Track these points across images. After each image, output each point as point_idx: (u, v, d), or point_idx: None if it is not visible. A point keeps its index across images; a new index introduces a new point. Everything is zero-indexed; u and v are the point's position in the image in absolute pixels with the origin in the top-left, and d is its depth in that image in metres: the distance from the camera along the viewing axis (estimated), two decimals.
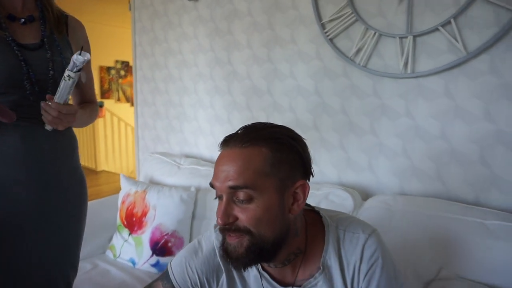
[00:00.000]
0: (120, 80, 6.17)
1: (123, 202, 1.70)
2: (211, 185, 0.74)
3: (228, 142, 0.73)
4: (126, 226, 1.65)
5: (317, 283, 0.76)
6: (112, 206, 1.81)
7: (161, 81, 2.27)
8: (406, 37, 1.34)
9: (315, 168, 1.66)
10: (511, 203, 1.21)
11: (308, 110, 1.64)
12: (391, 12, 1.38)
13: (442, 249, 1.08)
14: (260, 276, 0.80)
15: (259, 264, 0.80)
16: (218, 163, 0.73)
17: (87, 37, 1.22)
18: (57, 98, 0.97)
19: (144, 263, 1.56)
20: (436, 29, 1.28)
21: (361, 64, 1.45)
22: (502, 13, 1.17)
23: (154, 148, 2.37)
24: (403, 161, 1.41)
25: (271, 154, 0.71)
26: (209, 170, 1.73)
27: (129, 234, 1.63)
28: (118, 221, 1.70)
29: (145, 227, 1.59)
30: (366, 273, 0.74)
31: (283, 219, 0.72)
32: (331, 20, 1.51)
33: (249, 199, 0.69)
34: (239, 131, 0.74)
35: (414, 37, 1.33)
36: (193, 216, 1.65)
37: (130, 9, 2.38)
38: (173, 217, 1.56)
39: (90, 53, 1.13)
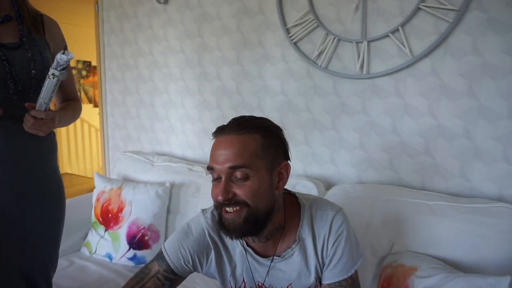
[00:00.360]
0: (81, 81, 6.02)
1: (97, 200, 1.74)
2: (210, 168, 0.85)
3: (224, 130, 0.86)
4: (101, 223, 1.70)
5: (293, 252, 0.91)
6: (83, 205, 1.84)
7: (131, 81, 2.31)
8: (361, 42, 1.50)
9: None
10: (451, 187, 1.40)
11: (275, 108, 1.76)
12: (348, 20, 1.54)
13: (394, 228, 1.24)
14: (245, 251, 0.92)
15: (244, 241, 0.92)
16: (216, 148, 0.84)
17: (63, 36, 1.25)
18: (42, 97, 1.02)
19: (121, 257, 1.61)
20: (387, 36, 1.45)
21: (323, 66, 1.59)
22: (441, 23, 1.36)
23: (125, 147, 2.40)
24: (360, 154, 1.57)
25: (262, 139, 0.84)
26: (182, 167, 1.81)
27: (105, 230, 1.68)
28: (93, 218, 1.74)
29: (121, 223, 1.64)
30: (334, 243, 0.89)
31: (272, 194, 0.86)
32: (295, 25, 1.65)
33: (246, 177, 0.81)
34: (232, 122, 0.88)
35: (368, 42, 1.49)
36: (168, 211, 1.73)
37: (98, 10, 2.40)
38: (149, 212, 1.63)
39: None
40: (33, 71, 1.08)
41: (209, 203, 1.57)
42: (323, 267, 0.91)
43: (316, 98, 1.65)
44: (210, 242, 0.93)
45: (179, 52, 2.05)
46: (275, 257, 0.92)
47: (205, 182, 1.66)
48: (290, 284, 0.93)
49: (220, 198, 0.81)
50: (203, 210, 0.98)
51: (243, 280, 0.95)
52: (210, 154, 0.86)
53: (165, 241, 1.66)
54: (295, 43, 1.65)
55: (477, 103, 1.33)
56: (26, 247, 1.10)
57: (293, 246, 0.91)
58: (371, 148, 1.55)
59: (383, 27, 1.47)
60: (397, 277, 1.03)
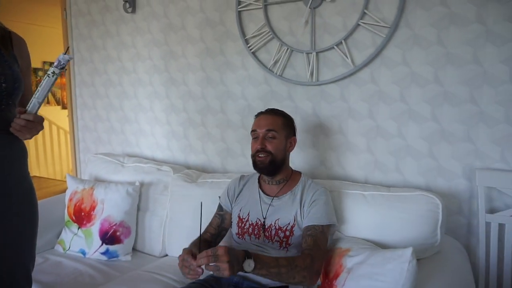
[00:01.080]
0: None
1: (70, 200, 1.84)
2: (253, 130, 1.38)
3: (263, 112, 1.42)
4: (75, 221, 1.80)
5: (286, 197, 1.36)
6: (56, 205, 1.93)
7: (100, 86, 2.40)
8: (311, 53, 1.69)
9: (243, 160, 1.96)
10: (388, 179, 1.62)
11: (237, 111, 1.93)
12: (299, 32, 1.72)
13: (337, 216, 1.42)
14: (259, 188, 1.43)
15: (258, 184, 1.43)
16: (259, 120, 1.39)
17: (28, 52, 1.32)
18: (37, 96, 1.08)
19: (94, 252, 1.73)
20: (332, 48, 1.65)
21: (278, 74, 1.77)
22: (377, 38, 1.57)
23: (95, 149, 2.49)
24: (312, 152, 1.77)
25: (283, 120, 1.40)
26: (151, 167, 1.93)
27: (78, 228, 1.78)
28: (67, 217, 1.84)
29: (94, 220, 1.76)
30: (314, 201, 1.31)
31: (285, 152, 1.39)
32: (253, 37, 1.82)
33: (273, 137, 1.35)
34: (268, 109, 1.43)
35: (317, 53, 1.69)
36: (138, 208, 1.85)
37: (65, 17, 2.47)
38: (121, 209, 1.75)
39: (31, 66, 1.30)
40: (3, 84, 1.14)
41: (178, 200, 1.71)
42: (303, 216, 1.30)
43: (273, 102, 1.82)
44: (239, 184, 1.48)
45: (147, 59, 2.18)
46: (274, 197, 1.38)
47: (173, 181, 1.80)
48: (278, 219, 1.33)
49: (258, 146, 1.33)
50: (241, 176, 1.53)
51: (248, 213, 1.39)
52: (254, 123, 1.40)
53: (136, 236, 1.82)
54: (253, 53, 1.82)
55: (407, 107, 1.55)
56: (5, 248, 1.17)
57: (288, 194, 1.37)
58: (320, 147, 1.74)
59: (329, 40, 1.66)
60: (334, 258, 1.22)
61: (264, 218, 1.36)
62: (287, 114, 1.44)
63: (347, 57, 1.61)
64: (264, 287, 1.25)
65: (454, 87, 1.46)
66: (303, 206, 1.31)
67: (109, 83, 2.36)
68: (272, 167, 1.34)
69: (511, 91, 1.37)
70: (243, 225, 1.39)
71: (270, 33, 1.76)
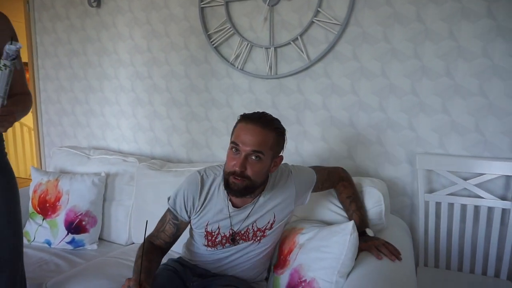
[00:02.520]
0: None
1: (35, 191, 1.85)
2: (234, 143, 1.12)
3: (252, 119, 1.14)
4: (39, 213, 1.82)
5: (260, 201, 1.25)
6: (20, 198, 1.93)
7: (65, 80, 2.40)
8: (269, 48, 1.79)
9: (208, 152, 2.04)
10: (358, 169, 1.74)
11: (201, 104, 2.00)
12: (258, 29, 1.82)
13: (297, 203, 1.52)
14: (228, 201, 1.24)
15: (229, 199, 1.23)
16: (244, 131, 1.12)
17: (12, 27, 1.23)
18: None
19: (60, 241, 1.75)
20: (289, 43, 1.75)
21: (239, 68, 1.86)
22: (329, 34, 1.69)
23: (61, 143, 2.49)
24: None
25: (276, 138, 1.15)
26: (118, 159, 1.97)
27: (43, 219, 1.80)
28: (31, 209, 1.85)
29: (59, 211, 1.78)
30: (299, 183, 1.29)
31: (266, 174, 1.20)
32: (215, 32, 1.90)
33: (259, 160, 1.12)
34: (259, 117, 1.15)
35: (275, 48, 1.79)
36: (104, 199, 1.89)
37: (28, 10, 2.45)
38: (86, 199, 1.79)
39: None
40: None
41: (143, 188, 1.76)
42: (302, 194, 1.30)
43: (235, 95, 1.91)
44: (200, 194, 1.24)
45: (112, 53, 2.21)
46: (248, 205, 1.24)
47: (139, 170, 1.85)
48: (255, 222, 1.25)
49: (237, 169, 1.11)
50: (199, 171, 1.28)
51: (218, 227, 1.25)
52: (237, 134, 1.14)
53: (102, 226, 1.83)
54: (216, 47, 1.90)
55: (358, 98, 1.68)
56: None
57: (261, 196, 1.25)
58: None
59: (286, 36, 1.77)
60: (289, 236, 1.32)
61: (239, 229, 1.25)
62: (281, 126, 1.19)
63: (302, 52, 1.73)
64: (233, 278, 1.29)
65: (399, 80, 1.60)
66: (297, 197, 1.29)
67: (74, 77, 2.37)
68: (245, 192, 1.15)
69: (446, 84, 1.52)
70: (213, 238, 1.26)
71: (231, 29, 1.85)
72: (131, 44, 2.14)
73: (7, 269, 1.22)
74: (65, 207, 1.78)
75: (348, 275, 1.11)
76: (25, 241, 1.82)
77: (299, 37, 1.73)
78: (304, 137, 1.80)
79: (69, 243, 1.75)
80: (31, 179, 1.94)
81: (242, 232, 1.26)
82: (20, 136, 5.19)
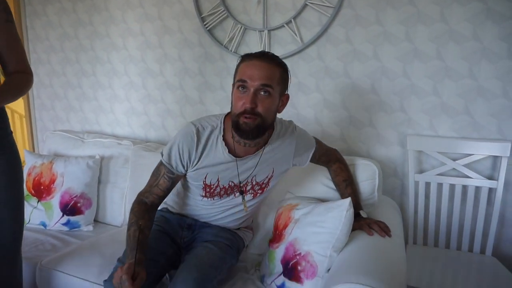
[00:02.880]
0: None
1: (29, 174, 1.86)
2: (242, 81, 1.07)
3: (257, 56, 1.09)
4: (34, 195, 1.82)
5: (260, 153, 1.24)
6: None
7: (57, 64, 2.38)
8: (263, 31, 1.80)
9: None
10: (350, 150, 1.77)
11: (195, 87, 2.01)
12: (252, 11, 1.82)
13: (289, 181, 1.55)
14: (228, 153, 1.20)
15: (223, 141, 1.19)
16: (250, 67, 1.07)
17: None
18: None
19: (55, 223, 1.77)
20: (283, 26, 1.76)
21: (233, 51, 1.87)
22: (322, 17, 1.70)
23: (53, 127, 2.48)
24: None
25: (282, 72, 1.12)
26: (112, 142, 1.97)
27: (38, 201, 1.81)
28: (25, 191, 1.85)
29: (54, 193, 1.79)
30: (301, 147, 1.31)
31: (275, 113, 1.16)
32: (209, 15, 1.89)
33: (268, 95, 1.08)
34: (263, 53, 1.11)
35: (269, 31, 1.79)
36: (99, 181, 1.90)
37: None
38: (81, 182, 1.80)
39: (11, 14, 1.09)
40: None
41: (137, 171, 1.77)
42: (299, 157, 1.32)
43: (229, 78, 1.92)
44: (196, 147, 1.18)
45: (104, 36, 2.19)
46: (249, 156, 1.22)
47: (133, 152, 1.86)
48: (254, 176, 1.26)
49: (247, 105, 1.06)
50: (193, 122, 1.22)
51: (218, 179, 1.24)
52: (242, 71, 1.09)
53: (97, 208, 1.85)
54: (209, 30, 1.90)
55: (350, 81, 1.70)
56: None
57: (260, 150, 1.24)
58: None
59: (280, 19, 1.77)
60: (285, 212, 1.35)
61: (240, 182, 1.26)
62: (284, 63, 1.14)
63: (296, 35, 1.74)
64: (217, 228, 1.35)
65: (390, 63, 1.62)
66: (295, 156, 1.31)
67: (66, 60, 2.35)
68: (257, 132, 1.10)
69: (438, 66, 1.55)
70: (212, 190, 1.27)
71: (224, 12, 1.85)
72: (124, 27, 2.12)
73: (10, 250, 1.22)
74: (60, 189, 1.79)
75: (341, 250, 1.15)
76: None
77: (292, 20, 1.73)
78: (298, 119, 1.83)
79: (64, 224, 1.77)
80: (24, 163, 1.94)
81: (241, 185, 1.26)
82: (11, 123, 5.12)
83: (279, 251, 1.26)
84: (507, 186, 1.52)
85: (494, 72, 1.48)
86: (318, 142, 1.39)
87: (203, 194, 1.29)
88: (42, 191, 1.81)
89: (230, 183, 1.26)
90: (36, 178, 1.83)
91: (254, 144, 1.19)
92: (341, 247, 1.15)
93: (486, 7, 1.45)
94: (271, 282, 1.24)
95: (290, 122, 1.34)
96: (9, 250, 1.22)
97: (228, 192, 1.28)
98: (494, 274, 1.36)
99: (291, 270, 1.18)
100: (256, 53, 1.12)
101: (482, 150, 1.49)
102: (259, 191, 1.32)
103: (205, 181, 1.24)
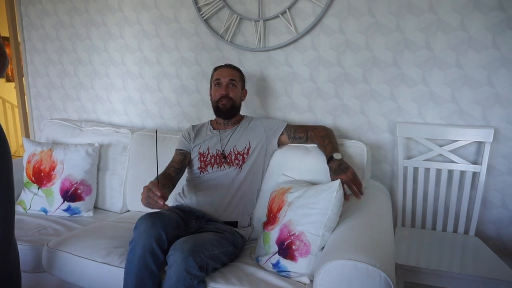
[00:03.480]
0: None
1: (29, 162, 1.89)
2: (217, 79, 1.64)
3: (225, 65, 1.68)
4: (34, 182, 1.86)
5: (237, 128, 1.67)
6: (13, 169, 1.96)
7: (53, 52, 2.40)
8: (258, 21, 1.84)
9: (199, 124, 2.07)
10: (342, 137, 1.83)
11: (191, 77, 2.05)
12: (248, 1, 1.86)
13: (284, 164, 1.61)
14: (212, 129, 1.69)
15: (211, 126, 1.71)
16: (221, 72, 1.64)
17: None
18: None
19: (56, 209, 1.81)
20: (278, 16, 1.80)
21: (229, 40, 1.91)
22: (316, 7, 1.74)
23: (50, 116, 2.50)
24: (261, 112, 1.94)
25: (240, 74, 1.69)
26: (110, 130, 2.01)
27: (38, 188, 1.85)
28: (25, 178, 1.89)
29: (54, 180, 1.83)
30: (265, 124, 1.67)
31: (240, 100, 1.69)
32: (205, 5, 1.92)
33: (235, 86, 1.64)
34: (227, 64, 1.69)
35: (264, 21, 1.84)
36: (98, 168, 1.95)
37: None
38: (81, 169, 1.84)
39: None
40: None
41: (136, 158, 1.82)
42: (269, 131, 1.64)
43: None
44: (193, 131, 1.70)
45: (101, 25, 2.21)
46: (227, 129, 1.67)
47: (132, 139, 1.90)
48: (235, 146, 1.60)
49: (223, 93, 1.61)
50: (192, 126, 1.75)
51: (208, 148, 1.62)
52: (216, 75, 1.65)
53: (97, 195, 1.92)
54: (205, 20, 1.93)
55: (343, 70, 1.76)
56: None
57: (237, 126, 1.68)
58: (269, 108, 1.93)
59: (275, 9, 1.82)
60: (278, 196, 1.42)
61: (222, 149, 1.61)
62: (240, 71, 1.72)
63: (291, 25, 1.78)
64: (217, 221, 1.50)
65: (382, 53, 1.68)
66: (266, 130, 1.65)
67: (62, 49, 2.36)
68: (232, 110, 1.63)
69: (426, 56, 1.61)
70: (205, 158, 1.61)
71: (221, 2, 1.88)
72: (120, 16, 2.14)
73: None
74: (60, 176, 1.83)
75: (333, 230, 1.22)
76: (21, 209, 1.87)
77: (287, 10, 1.78)
78: (292, 108, 1.88)
79: (65, 210, 1.81)
80: (15, 156, 1.96)
81: (226, 154, 1.59)
82: (3, 113, 5.10)
83: (274, 233, 1.33)
84: (490, 170, 1.60)
85: (479, 61, 1.55)
86: (291, 124, 1.71)
87: (199, 166, 1.61)
88: (42, 178, 1.85)
89: (217, 152, 1.60)
90: (36, 166, 1.87)
91: (231, 123, 1.68)
92: (333, 227, 1.22)
93: None
94: (266, 261, 1.31)
95: (257, 117, 1.77)
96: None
97: (218, 162, 1.59)
98: (476, 252, 1.44)
99: (286, 249, 1.25)
100: (224, 64, 1.71)
101: (467, 136, 1.57)
102: (242, 161, 1.58)
103: (199, 150, 1.63)
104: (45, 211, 1.83)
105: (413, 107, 1.68)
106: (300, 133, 1.61)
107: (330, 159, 1.40)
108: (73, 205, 1.82)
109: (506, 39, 1.50)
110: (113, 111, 2.29)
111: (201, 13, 1.93)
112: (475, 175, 1.59)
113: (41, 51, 2.43)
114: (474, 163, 1.60)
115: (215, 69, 1.69)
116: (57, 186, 1.82)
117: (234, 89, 1.63)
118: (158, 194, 1.21)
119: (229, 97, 1.61)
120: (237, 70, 1.68)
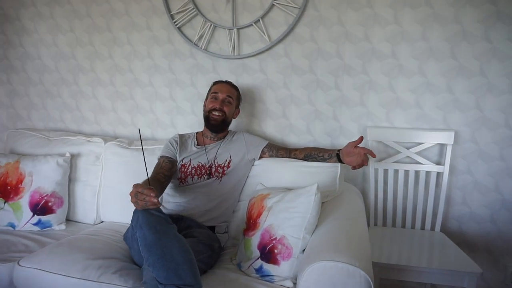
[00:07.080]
0: None
1: None
2: (215, 92, 1.68)
3: (224, 82, 1.73)
4: (0, 196, 1.77)
5: (219, 143, 1.70)
6: None
7: (15, 59, 2.29)
8: (232, 29, 1.87)
9: (174, 131, 2.08)
10: (300, 140, 1.89)
11: (165, 84, 2.04)
12: (221, 10, 1.88)
13: (261, 174, 1.65)
14: (197, 144, 1.71)
15: (196, 140, 1.72)
16: (222, 86, 1.70)
17: None
18: None
19: (25, 224, 1.73)
20: (251, 25, 1.84)
21: (203, 48, 1.92)
22: (289, 17, 1.80)
23: (13, 126, 2.39)
24: (238, 119, 1.97)
25: (237, 94, 1.75)
26: (80, 139, 1.95)
27: (5, 202, 1.76)
28: None
29: (22, 193, 1.75)
30: (247, 139, 1.73)
31: (231, 117, 1.72)
32: (178, 12, 1.93)
33: (230, 103, 1.68)
34: (226, 81, 1.74)
35: (238, 29, 1.87)
36: (70, 179, 1.88)
37: None
38: (51, 180, 1.77)
39: None
40: None
41: (112, 166, 1.78)
42: (250, 146, 1.69)
43: (199, 75, 1.97)
44: (180, 141, 1.70)
45: (68, 31, 2.15)
46: (210, 144, 1.70)
47: (106, 149, 1.86)
48: (216, 159, 1.63)
49: (217, 105, 1.65)
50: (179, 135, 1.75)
51: (190, 160, 1.63)
52: (215, 89, 1.69)
53: (69, 207, 1.87)
54: (179, 28, 1.94)
55: (315, 77, 1.83)
56: None
57: (220, 141, 1.71)
58: (245, 114, 1.96)
59: (248, 18, 1.85)
60: (257, 202, 1.45)
61: (209, 165, 1.63)
62: (238, 89, 1.77)
63: (264, 34, 1.83)
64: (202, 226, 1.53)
65: (351, 61, 1.76)
66: (246, 145, 1.70)
67: (26, 56, 2.27)
68: (222, 125, 1.68)
69: (392, 63, 1.71)
70: (185, 169, 1.62)
71: (194, 10, 1.89)
72: (89, 23, 2.09)
73: None
74: (29, 189, 1.75)
75: (313, 232, 1.27)
76: None
77: (260, 19, 1.82)
78: (267, 114, 1.92)
79: (35, 224, 1.74)
80: None
81: (207, 166, 1.62)
82: None
83: (255, 238, 1.35)
84: (452, 170, 1.72)
85: (439, 69, 1.66)
86: (274, 143, 1.81)
87: (179, 177, 1.62)
88: (9, 191, 1.76)
89: (199, 164, 1.63)
90: (2, 178, 1.78)
91: (217, 138, 1.71)
92: (313, 229, 1.27)
93: (433, 12, 1.63)
94: (249, 267, 1.33)
95: (242, 132, 1.80)
96: None
97: (198, 173, 1.61)
98: (442, 247, 1.55)
99: (268, 254, 1.28)
100: (224, 80, 1.76)
101: (430, 138, 1.68)
102: (222, 174, 1.62)
103: (182, 162, 1.64)
104: (12, 226, 1.74)
105: (382, 112, 1.77)
106: (282, 152, 1.69)
107: (337, 154, 1.54)
108: (44, 218, 1.75)
109: (462, 48, 1.63)
110: (82, 119, 2.23)
111: (174, 20, 1.93)
112: (439, 175, 1.71)
113: (2, 57, 2.32)
114: (438, 163, 1.71)
115: (215, 83, 1.73)
116: (26, 200, 1.74)
117: (229, 106, 1.67)
118: (150, 192, 1.14)
119: (223, 111, 1.65)
120: (236, 89, 1.74)
